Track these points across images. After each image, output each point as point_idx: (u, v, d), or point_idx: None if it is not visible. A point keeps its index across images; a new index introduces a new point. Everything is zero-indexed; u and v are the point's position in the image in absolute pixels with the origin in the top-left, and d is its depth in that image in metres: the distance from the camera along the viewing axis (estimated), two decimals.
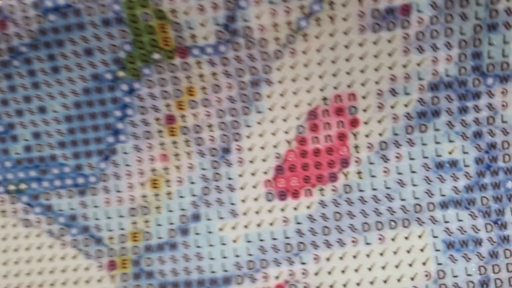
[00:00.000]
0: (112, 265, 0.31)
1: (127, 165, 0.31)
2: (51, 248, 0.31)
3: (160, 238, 0.31)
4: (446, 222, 0.29)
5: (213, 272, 0.30)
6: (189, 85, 0.30)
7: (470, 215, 0.29)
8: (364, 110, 0.29)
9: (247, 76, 0.29)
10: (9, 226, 0.32)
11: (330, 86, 0.29)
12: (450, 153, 0.29)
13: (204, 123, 0.30)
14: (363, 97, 0.29)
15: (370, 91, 0.29)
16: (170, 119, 0.30)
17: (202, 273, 0.30)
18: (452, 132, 0.29)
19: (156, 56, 0.29)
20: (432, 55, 0.28)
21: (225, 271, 0.30)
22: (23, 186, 0.32)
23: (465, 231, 0.29)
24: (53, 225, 0.31)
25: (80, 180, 0.31)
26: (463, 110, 0.29)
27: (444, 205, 0.29)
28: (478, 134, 0.29)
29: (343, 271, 0.30)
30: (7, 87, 0.30)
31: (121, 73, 0.30)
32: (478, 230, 0.29)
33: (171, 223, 0.31)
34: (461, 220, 0.29)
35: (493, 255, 0.29)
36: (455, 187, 0.29)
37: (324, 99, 0.29)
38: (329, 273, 0.30)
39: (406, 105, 0.29)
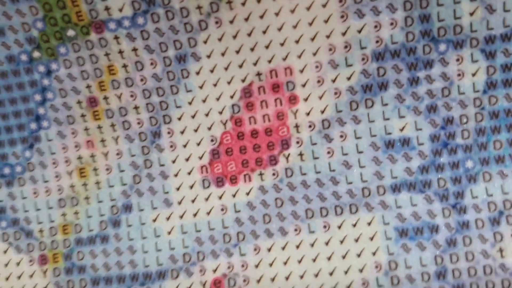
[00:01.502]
0: (43, 260, 0.29)
1: (53, 153, 0.29)
2: None
3: (91, 230, 0.29)
4: (398, 207, 0.26)
5: (146, 266, 0.28)
6: (109, 63, 0.27)
7: (426, 199, 0.26)
8: (303, 86, 0.26)
9: (171, 50, 0.26)
10: None
11: (264, 59, 0.26)
12: (401, 130, 0.26)
13: (129, 105, 0.27)
14: (301, 71, 0.26)
15: (307, 63, 0.26)
16: (93, 101, 0.28)
17: (135, 267, 0.28)
18: (402, 106, 0.26)
19: (70, 32, 0.27)
20: (373, 20, 0.25)
21: (160, 265, 0.28)
22: None
23: (419, 217, 0.26)
24: None
25: (6, 170, 0.29)
26: (414, 81, 0.25)
27: (395, 189, 0.26)
28: (432, 108, 0.26)
29: (285, 263, 0.27)
30: None
31: (36, 53, 0.27)
32: (435, 215, 0.26)
33: (102, 215, 0.29)
34: (415, 205, 0.26)
35: (451, 243, 0.26)
36: (408, 168, 0.26)
37: (259, 74, 0.26)
38: (270, 265, 0.27)
39: (348, 78, 0.26)
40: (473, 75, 0.25)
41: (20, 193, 0.29)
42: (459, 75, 0.25)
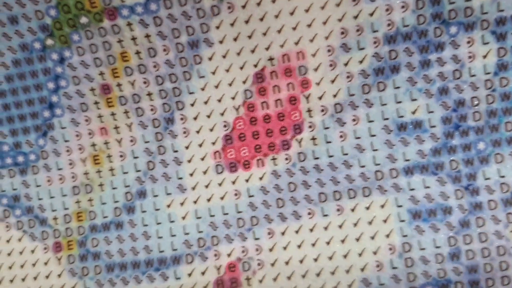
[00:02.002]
0: (57, 247, 0.29)
1: (66, 141, 0.29)
2: None
3: (105, 217, 0.29)
4: (411, 189, 0.26)
5: (161, 251, 0.28)
6: (122, 50, 0.27)
7: (438, 181, 0.26)
8: (315, 70, 0.26)
9: (184, 36, 0.27)
10: None
11: (276, 44, 0.26)
12: (413, 113, 0.26)
13: (142, 92, 0.28)
14: (313, 55, 0.26)
15: (319, 47, 0.26)
16: (106, 88, 0.28)
17: (150, 253, 0.28)
18: (414, 89, 0.26)
19: (83, 19, 0.27)
20: (385, 3, 0.25)
21: (174, 250, 0.28)
22: None
23: (432, 199, 0.26)
24: None
25: (20, 159, 0.29)
26: (425, 64, 0.26)
27: (408, 171, 0.26)
28: (443, 91, 0.26)
29: (299, 246, 0.27)
30: None
31: (49, 41, 0.27)
32: (447, 197, 0.26)
33: (116, 201, 0.29)
34: (428, 187, 0.26)
35: (464, 224, 0.26)
36: (420, 150, 0.26)
37: (271, 59, 0.27)
38: (284, 248, 0.27)
39: (360, 62, 0.26)
40: (484, 57, 0.25)
41: (34, 181, 0.29)
42: (470, 57, 0.25)
